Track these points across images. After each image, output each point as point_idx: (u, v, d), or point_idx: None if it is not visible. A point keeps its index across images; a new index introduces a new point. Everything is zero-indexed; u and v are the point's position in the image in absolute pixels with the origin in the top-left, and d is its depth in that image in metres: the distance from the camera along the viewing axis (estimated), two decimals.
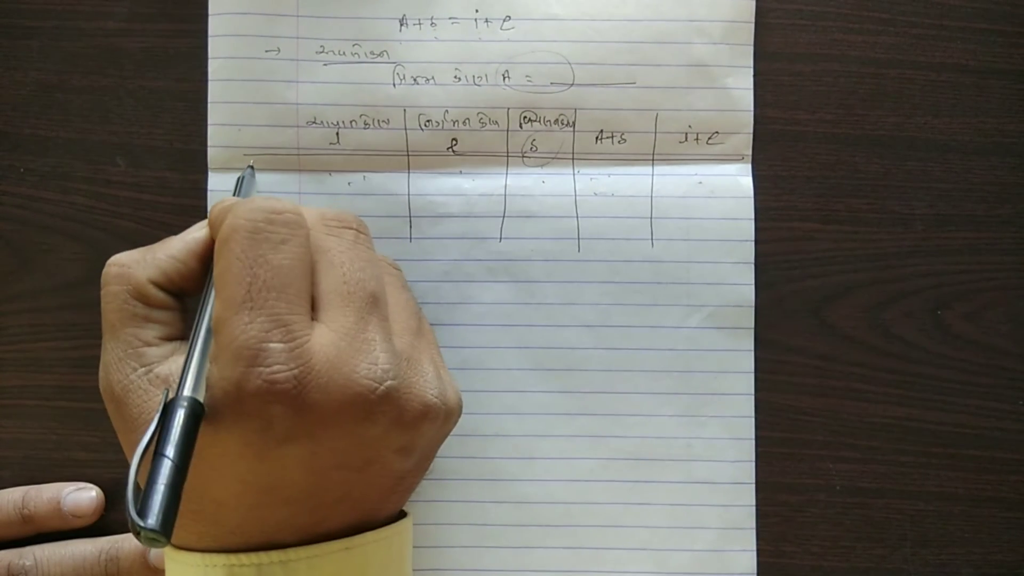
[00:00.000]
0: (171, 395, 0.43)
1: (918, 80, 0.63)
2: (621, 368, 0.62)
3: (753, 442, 0.62)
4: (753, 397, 0.62)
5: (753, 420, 0.62)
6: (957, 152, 0.63)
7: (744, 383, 0.62)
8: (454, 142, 0.62)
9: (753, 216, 0.62)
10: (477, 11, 0.61)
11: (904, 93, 0.63)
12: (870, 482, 0.62)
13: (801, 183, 0.62)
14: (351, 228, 0.51)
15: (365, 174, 0.62)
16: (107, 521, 0.62)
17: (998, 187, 0.63)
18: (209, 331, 0.46)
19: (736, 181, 0.62)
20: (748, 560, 0.61)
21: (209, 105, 0.62)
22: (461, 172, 0.62)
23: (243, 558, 0.47)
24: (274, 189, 0.62)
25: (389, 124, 0.61)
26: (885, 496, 0.62)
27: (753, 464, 0.62)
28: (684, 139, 0.62)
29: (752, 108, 0.62)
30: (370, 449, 0.47)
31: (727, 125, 0.62)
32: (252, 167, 0.60)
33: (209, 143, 0.62)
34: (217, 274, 0.46)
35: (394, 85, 0.61)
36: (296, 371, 0.43)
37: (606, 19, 0.61)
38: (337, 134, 0.61)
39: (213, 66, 0.62)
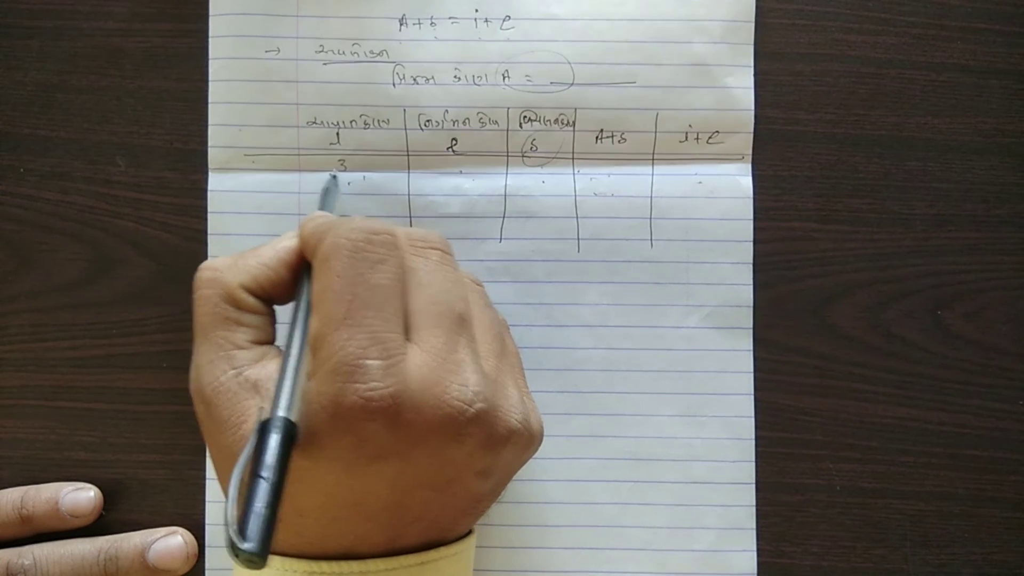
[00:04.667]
0: (265, 414, 0.44)
1: (918, 80, 0.63)
2: (620, 368, 0.62)
3: (753, 442, 0.62)
4: (752, 397, 0.62)
5: (753, 420, 0.62)
6: (957, 152, 0.63)
7: (743, 383, 0.62)
8: (454, 142, 0.62)
9: (752, 216, 0.62)
10: (477, 11, 0.61)
11: (904, 93, 0.63)
12: (870, 482, 0.62)
13: (801, 183, 0.62)
14: (436, 248, 0.51)
15: (365, 174, 0.62)
16: (106, 521, 0.62)
17: (998, 187, 0.63)
18: (303, 348, 0.47)
19: (736, 181, 0.62)
20: (748, 560, 0.61)
21: (210, 105, 0.62)
22: (461, 172, 0.62)
23: (324, 566, 0.48)
24: (274, 189, 0.62)
25: (389, 124, 0.61)
26: (885, 496, 0.62)
27: (753, 464, 0.62)
28: (684, 138, 0.62)
29: (753, 107, 0.62)
30: (453, 470, 0.48)
31: (727, 124, 0.62)
32: (335, 175, 0.61)
33: (209, 143, 0.62)
34: (317, 291, 0.46)
35: (394, 85, 0.61)
36: (392, 389, 0.44)
37: (606, 18, 0.61)
38: (337, 134, 0.61)
39: (214, 67, 0.62)
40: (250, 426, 0.46)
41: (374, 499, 0.47)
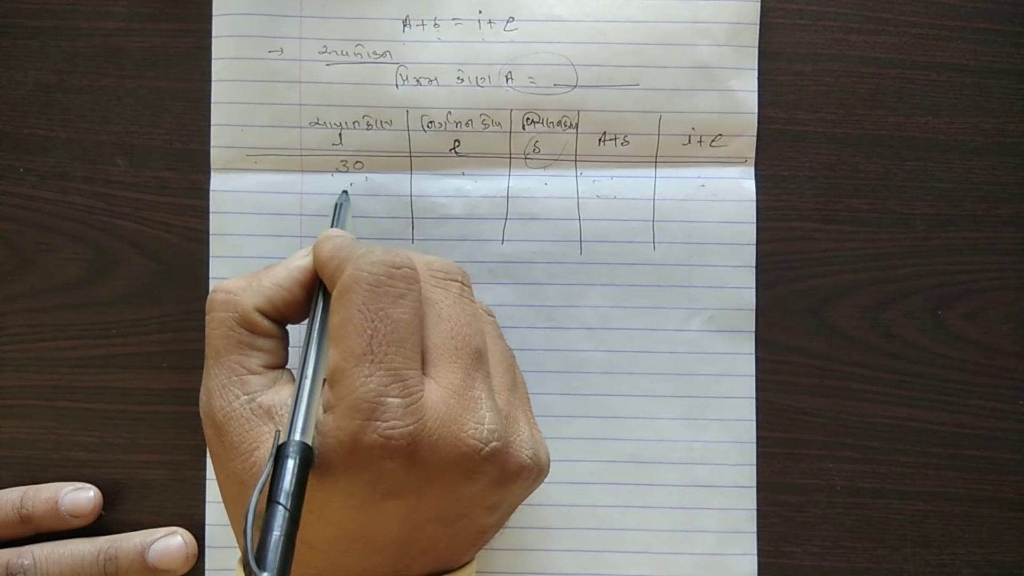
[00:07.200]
0: (282, 437, 0.44)
1: (918, 80, 0.63)
2: (622, 371, 0.62)
3: (754, 445, 0.62)
4: (754, 400, 0.62)
5: (754, 423, 0.62)
6: (957, 152, 0.63)
7: (745, 386, 0.62)
8: (457, 143, 0.61)
9: (755, 220, 0.62)
10: (480, 12, 0.61)
11: (904, 93, 0.63)
12: (870, 482, 0.62)
13: (801, 183, 0.62)
14: (456, 281, 0.51)
15: (368, 175, 0.61)
16: (105, 521, 0.62)
17: (998, 187, 0.63)
18: (317, 373, 0.47)
19: (739, 184, 0.62)
20: (749, 564, 0.61)
21: (212, 105, 0.62)
22: (464, 174, 0.62)
23: None
24: (276, 190, 0.62)
25: (392, 125, 0.61)
26: (885, 496, 0.62)
27: (754, 468, 0.62)
28: (687, 141, 0.62)
29: (756, 111, 0.62)
30: (464, 505, 0.48)
31: (731, 128, 0.62)
32: (347, 192, 0.61)
33: (212, 143, 0.62)
34: (336, 324, 0.46)
35: (397, 86, 0.61)
36: (411, 428, 0.44)
37: (610, 20, 0.61)
38: (340, 135, 0.61)
39: (217, 67, 0.61)
40: (263, 453, 0.46)
41: (384, 534, 0.47)
